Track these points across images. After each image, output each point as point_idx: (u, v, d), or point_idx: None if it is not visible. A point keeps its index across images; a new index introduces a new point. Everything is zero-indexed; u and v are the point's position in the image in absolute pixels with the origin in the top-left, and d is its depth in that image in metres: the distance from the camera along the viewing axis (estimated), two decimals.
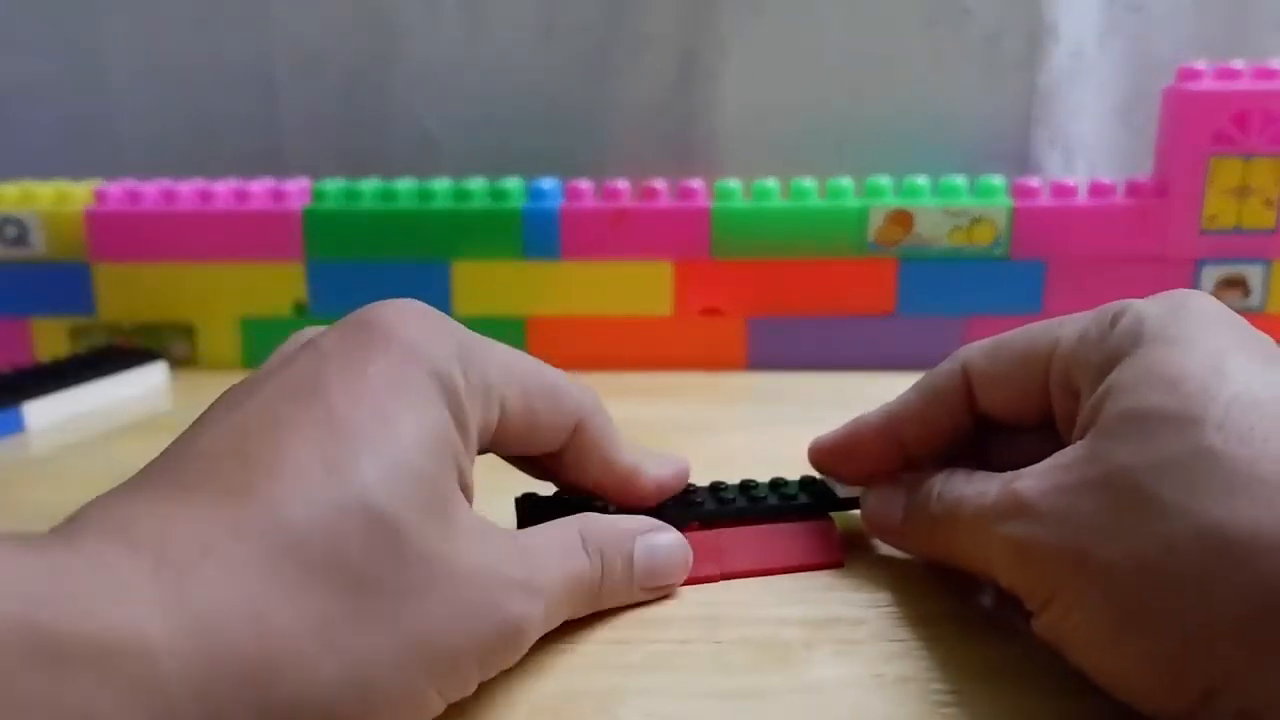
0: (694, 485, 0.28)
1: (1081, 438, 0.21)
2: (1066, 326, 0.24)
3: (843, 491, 0.28)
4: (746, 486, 0.28)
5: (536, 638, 0.21)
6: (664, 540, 0.25)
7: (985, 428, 0.26)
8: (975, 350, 0.26)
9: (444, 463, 0.20)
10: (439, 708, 0.19)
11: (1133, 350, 0.21)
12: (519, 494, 0.27)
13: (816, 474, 0.29)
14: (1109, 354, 0.21)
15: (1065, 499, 0.20)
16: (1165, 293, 0.23)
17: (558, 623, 0.22)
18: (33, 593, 0.15)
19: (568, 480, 0.26)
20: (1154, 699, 0.19)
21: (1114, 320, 0.22)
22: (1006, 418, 0.25)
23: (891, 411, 0.27)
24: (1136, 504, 0.19)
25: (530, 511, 0.26)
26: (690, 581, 0.26)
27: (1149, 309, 0.22)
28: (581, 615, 0.24)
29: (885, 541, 0.27)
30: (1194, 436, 0.18)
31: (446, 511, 0.20)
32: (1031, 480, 0.21)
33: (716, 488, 0.28)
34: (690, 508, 0.27)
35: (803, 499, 0.28)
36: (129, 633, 0.15)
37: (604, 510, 0.26)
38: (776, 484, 0.28)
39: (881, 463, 0.27)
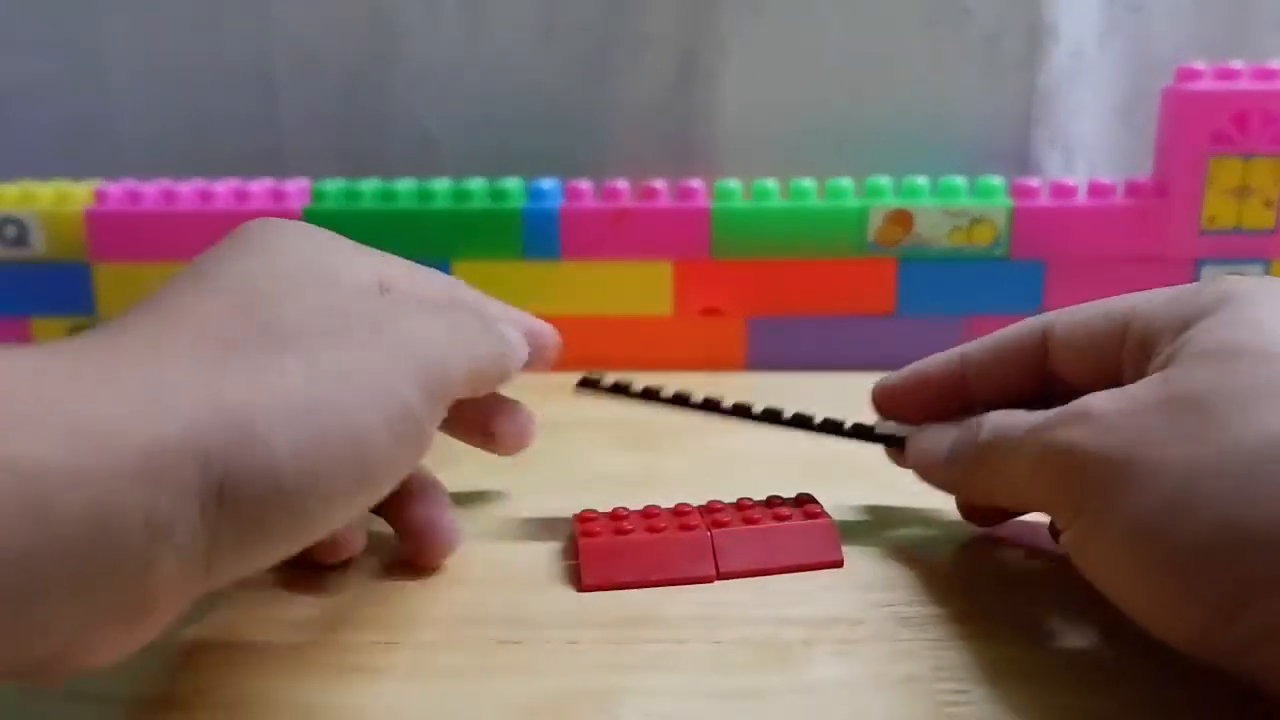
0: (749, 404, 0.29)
1: None
2: (1149, 295, 0.24)
3: (884, 428, 0.29)
4: (800, 415, 0.29)
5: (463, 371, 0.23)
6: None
7: (1050, 393, 0.26)
8: (1057, 311, 0.26)
9: None
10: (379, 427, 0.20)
11: (1218, 309, 0.21)
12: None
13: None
14: (1194, 311, 0.22)
15: (1129, 410, 0.20)
16: (1257, 275, 0.23)
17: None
18: None
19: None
20: (1175, 617, 0.19)
21: (1201, 287, 0.23)
22: (1076, 380, 0.25)
23: (964, 353, 0.27)
24: (1200, 415, 0.19)
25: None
26: (690, 581, 0.26)
27: (1239, 280, 0.22)
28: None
29: (924, 479, 0.27)
30: (1276, 366, 0.19)
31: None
32: (1100, 399, 0.21)
33: (770, 410, 0.29)
34: (739, 411, 0.29)
35: (848, 428, 0.29)
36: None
37: None
38: (828, 420, 0.29)
39: (943, 401, 0.27)
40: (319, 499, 0.18)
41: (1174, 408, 0.19)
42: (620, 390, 0.29)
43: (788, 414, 0.29)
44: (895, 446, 0.28)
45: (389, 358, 0.20)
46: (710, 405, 0.29)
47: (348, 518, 0.20)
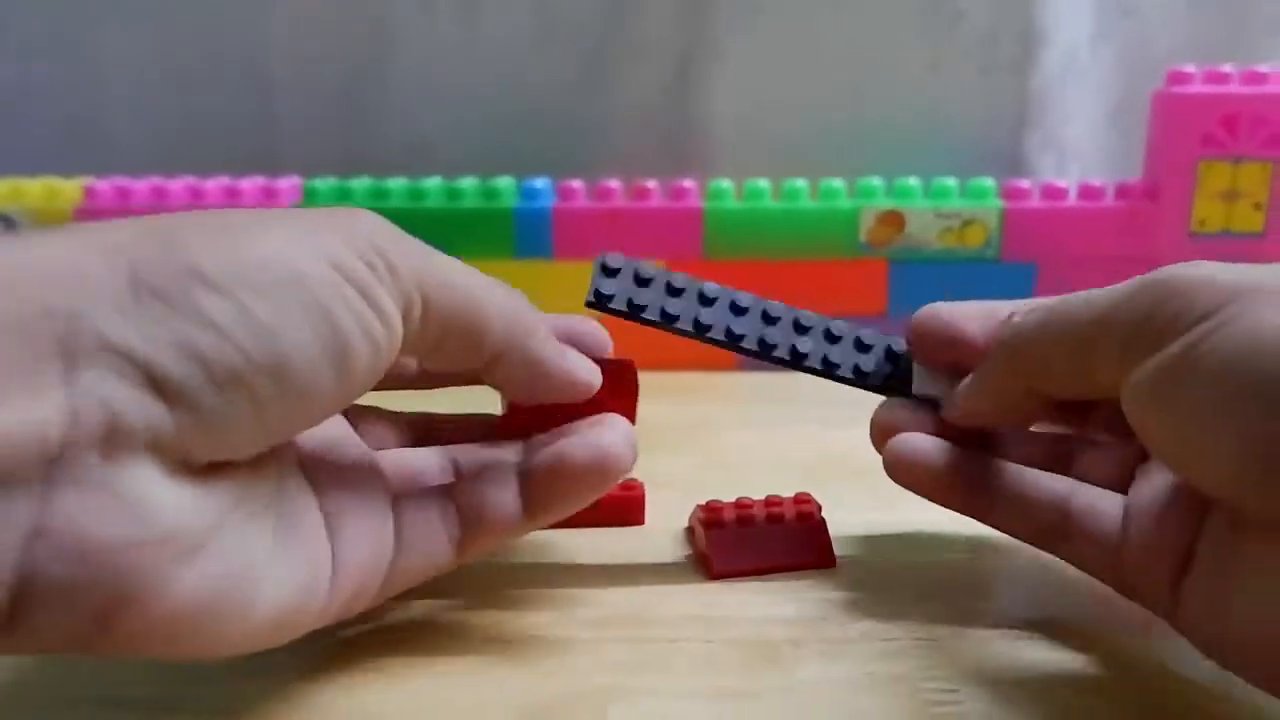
0: (777, 315, 0.26)
1: None
2: None
3: (923, 389, 0.26)
4: (832, 334, 0.27)
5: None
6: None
7: None
8: None
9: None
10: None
11: None
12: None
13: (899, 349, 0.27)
14: None
15: (1246, 268, 0.19)
16: None
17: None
18: None
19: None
20: (1231, 457, 0.18)
21: None
22: None
23: (1023, 302, 0.26)
24: None
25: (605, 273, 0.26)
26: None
27: None
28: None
29: (962, 408, 0.25)
30: None
31: None
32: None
33: (800, 324, 0.26)
34: (765, 349, 0.26)
35: (880, 374, 0.26)
36: None
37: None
38: (861, 343, 0.27)
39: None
40: (251, 293, 0.17)
41: None
42: (633, 314, 0.25)
43: (814, 361, 0.26)
44: (928, 405, 0.26)
45: (334, 226, 0.19)
46: (733, 338, 0.26)
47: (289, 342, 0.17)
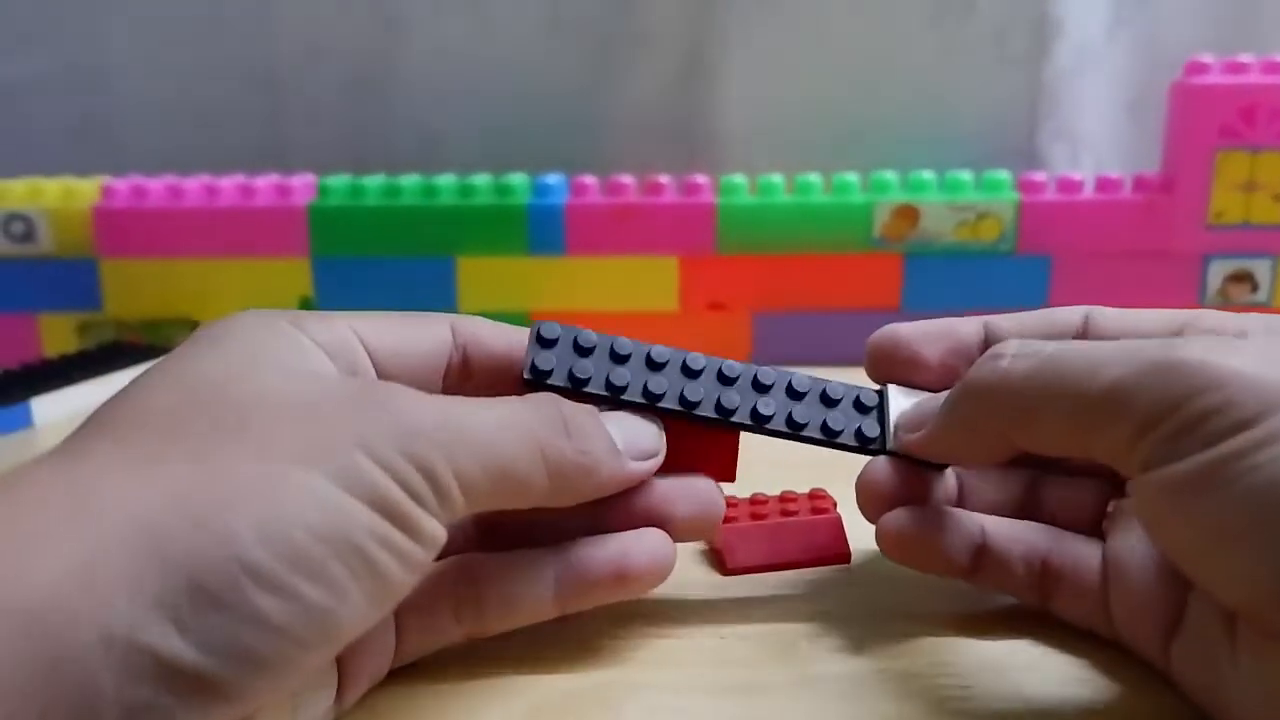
0: (734, 375, 0.24)
1: None
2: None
3: (898, 442, 0.24)
4: (794, 390, 0.24)
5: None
6: (628, 417, 0.23)
7: None
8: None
9: None
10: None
11: None
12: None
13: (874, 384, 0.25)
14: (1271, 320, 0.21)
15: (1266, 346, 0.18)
16: None
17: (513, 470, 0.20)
18: None
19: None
20: (1260, 577, 0.17)
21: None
22: None
23: (989, 320, 0.25)
24: None
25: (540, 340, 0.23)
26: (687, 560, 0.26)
27: None
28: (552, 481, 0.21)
29: (921, 441, 0.23)
30: None
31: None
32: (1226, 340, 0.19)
33: (759, 381, 0.24)
34: (724, 414, 0.24)
35: (850, 430, 0.24)
36: None
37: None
38: (828, 397, 0.25)
39: (957, 358, 0.24)
40: (301, 576, 0.16)
41: None
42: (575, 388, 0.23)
43: (778, 423, 0.24)
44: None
45: (357, 435, 0.18)
46: (688, 405, 0.24)
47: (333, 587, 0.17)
